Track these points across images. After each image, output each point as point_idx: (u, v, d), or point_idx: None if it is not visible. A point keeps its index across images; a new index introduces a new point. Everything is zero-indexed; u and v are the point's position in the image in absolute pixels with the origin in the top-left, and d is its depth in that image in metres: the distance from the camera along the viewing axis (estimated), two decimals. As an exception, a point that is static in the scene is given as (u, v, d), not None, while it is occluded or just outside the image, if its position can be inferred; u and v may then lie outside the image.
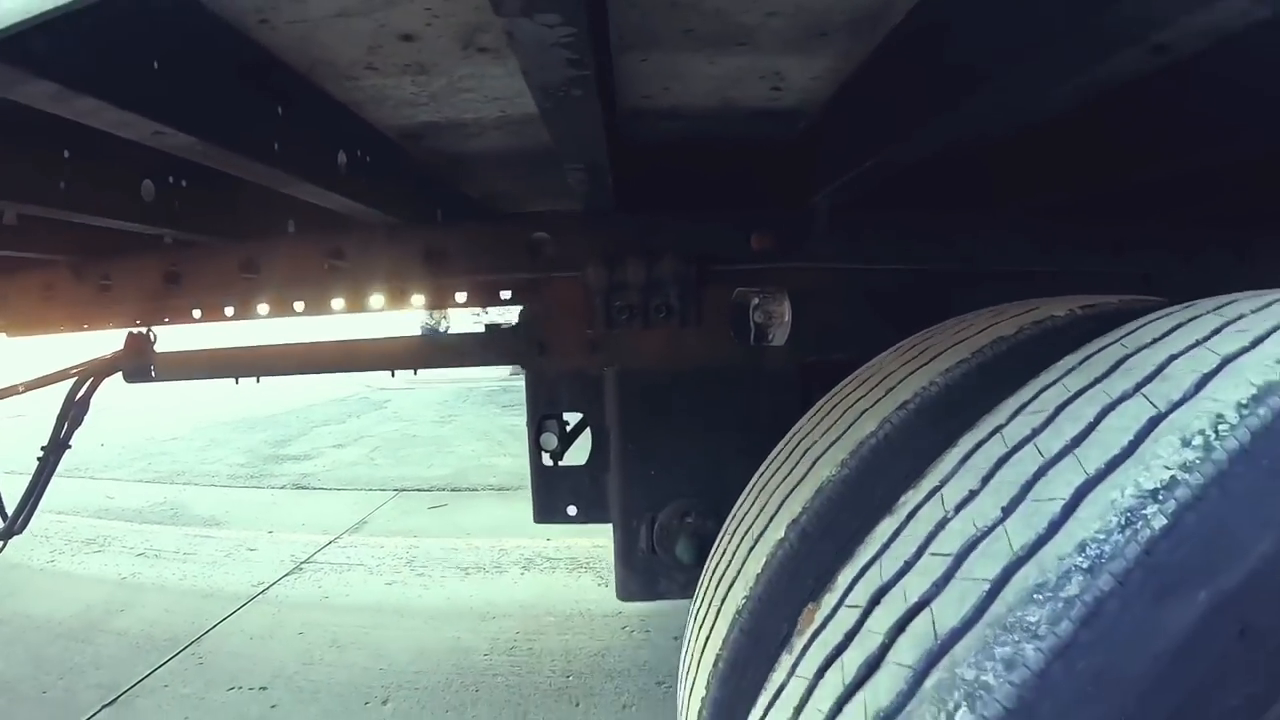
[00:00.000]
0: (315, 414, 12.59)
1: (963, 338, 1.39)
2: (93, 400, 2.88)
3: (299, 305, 2.39)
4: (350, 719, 3.37)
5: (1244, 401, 0.72)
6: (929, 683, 0.69)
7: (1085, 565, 0.66)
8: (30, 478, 2.96)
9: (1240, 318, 0.85)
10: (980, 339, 1.33)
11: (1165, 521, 0.66)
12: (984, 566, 0.73)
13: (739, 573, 1.41)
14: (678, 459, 2.10)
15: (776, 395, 1.94)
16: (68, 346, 2.88)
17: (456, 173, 2.18)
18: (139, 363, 2.60)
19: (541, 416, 2.34)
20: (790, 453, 1.51)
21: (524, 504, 6.33)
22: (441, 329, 19.68)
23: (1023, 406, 0.92)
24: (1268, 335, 0.79)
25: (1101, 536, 0.67)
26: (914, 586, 0.79)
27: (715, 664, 1.35)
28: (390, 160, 1.87)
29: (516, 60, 0.97)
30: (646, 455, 2.13)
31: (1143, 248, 2.05)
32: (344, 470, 8.35)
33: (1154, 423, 0.74)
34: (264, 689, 3.63)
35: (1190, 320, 0.89)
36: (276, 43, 1.31)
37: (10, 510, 3.09)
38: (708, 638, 1.43)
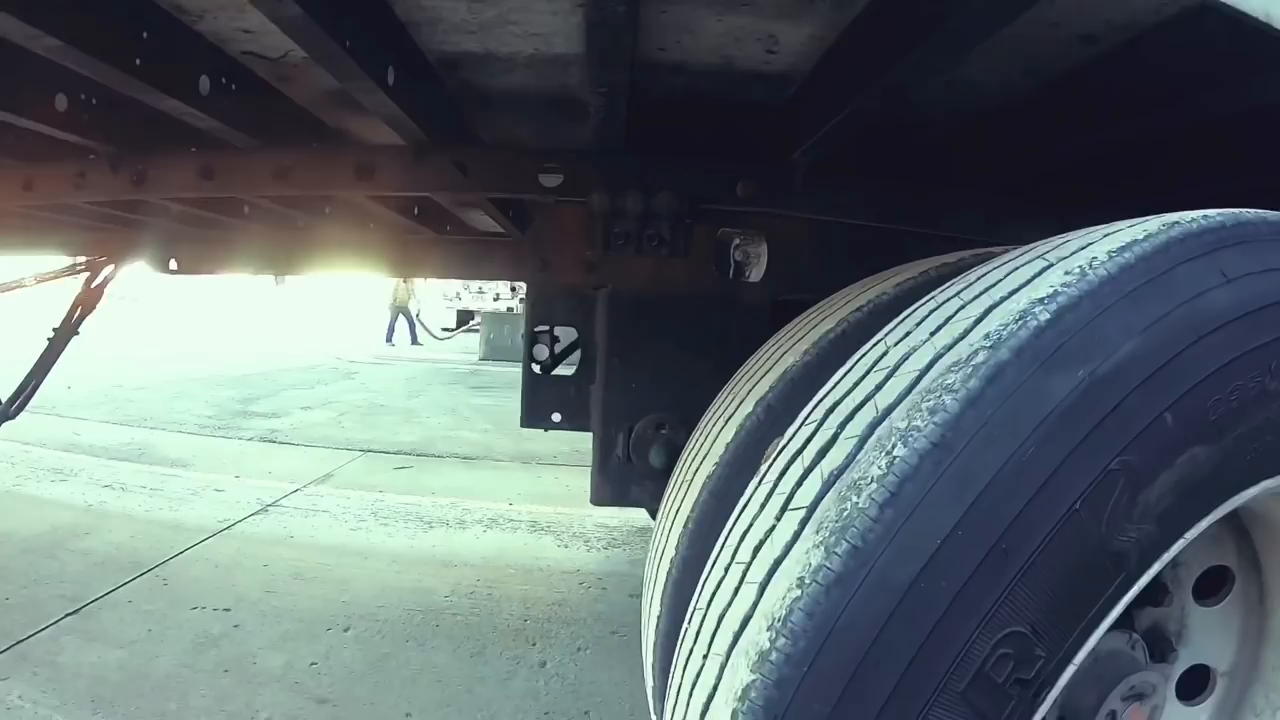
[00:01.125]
0: (284, 378, 12.63)
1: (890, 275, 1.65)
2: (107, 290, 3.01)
3: (328, 209, 2.57)
4: (312, 641, 3.51)
5: (1113, 250, 0.96)
6: (872, 437, 0.90)
7: (989, 345, 0.88)
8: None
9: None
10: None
11: (1049, 316, 0.88)
12: (916, 363, 0.95)
13: (709, 451, 1.62)
14: (657, 375, 2.30)
15: (749, 325, 2.13)
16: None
17: (477, 112, 2.37)
18: (163, 252, 2.75)
19: (536, 329, 2.56)
20: (759, 357, 1.74)
21: (489, 472, 6.58)
22: (414, 311, 19.73)
23: (935, 295, 1.15)
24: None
25: (1002, 328, 0.89)
26: (861, 390, 1.01)
27: (685, 525, 1.56)
28: (428, 84, 2.05)
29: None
30: (629, 369, 2.34)
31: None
32: (312, 430, 8.44)
33: (1048, 264, 0.98)
34: (227, 610, 3.77)
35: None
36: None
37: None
38: (678, 510, 1.64)
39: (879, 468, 0.85)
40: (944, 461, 0.83)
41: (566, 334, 2.73)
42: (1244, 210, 1.12)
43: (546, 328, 2.63)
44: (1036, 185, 2.32)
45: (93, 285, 3.01)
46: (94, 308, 3.10)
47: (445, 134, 2.15)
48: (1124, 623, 1.29)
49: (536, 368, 2.69)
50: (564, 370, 2.78)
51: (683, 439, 2.05)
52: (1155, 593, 1.36)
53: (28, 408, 3.66)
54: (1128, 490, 0.90)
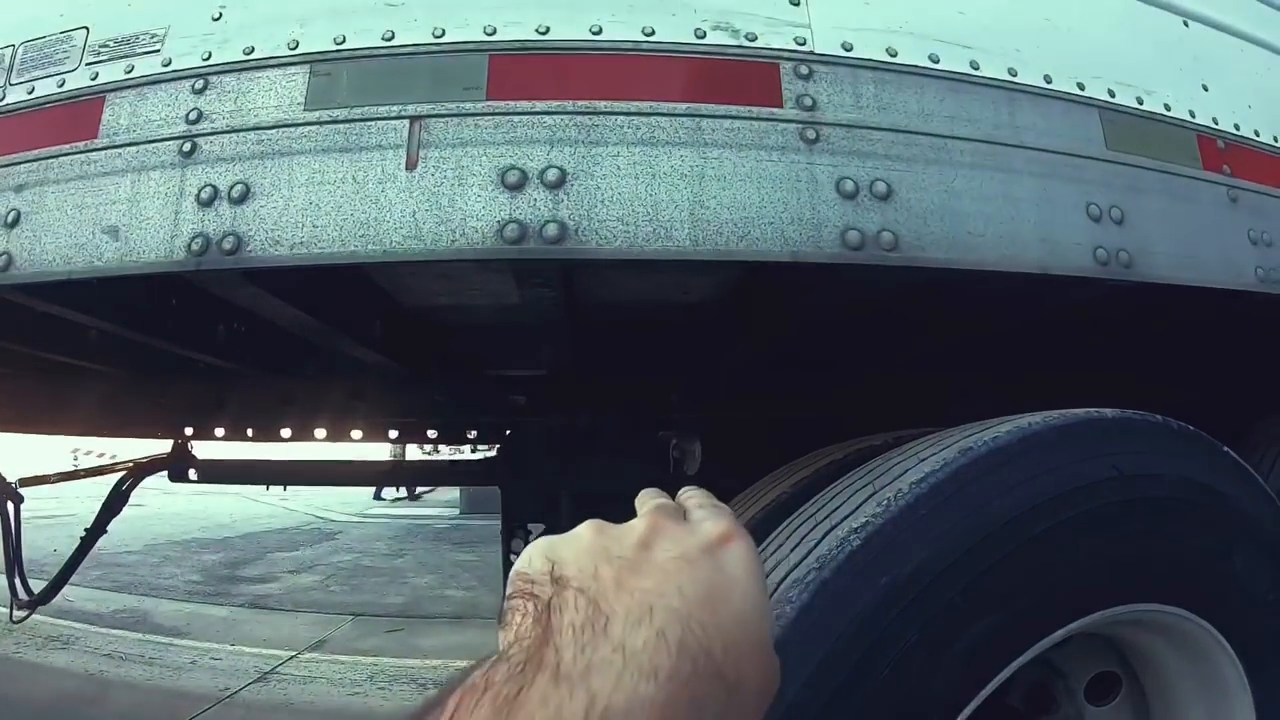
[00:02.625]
0: (266, 540, 12.70)
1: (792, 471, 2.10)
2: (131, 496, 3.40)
3: (320, 433, 3.02)
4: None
5: (915, 481, 1.41)
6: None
7: (817, 566, 1.31)
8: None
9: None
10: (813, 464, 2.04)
11: (860, 542, 1.32)
12: (776, 575, 1.37)
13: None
14: (620, 561, 2.67)
15: None
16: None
17: (450, 342, 2.83)
18: (183, 465, 3.16)
19: (513, 525, 2.99)
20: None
21: (478, 631, 6.73)
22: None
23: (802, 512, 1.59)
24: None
25: (827, 552, 1.33)
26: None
27: None
28: (406, 326, 2.50)
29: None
30: (594, 558, 2.70)
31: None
32: (301, 595, 8.58)
33: (871, 492, 1.43)
34: (239, 776, 3.99)
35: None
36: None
37: (31, 583, 3.59)
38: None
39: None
40: (785, 653, 1.23)
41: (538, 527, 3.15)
42: (1030, 423, 1.56)
43: (520, 524, 3.06)
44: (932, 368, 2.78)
45: (123, 489, 3.42)
46: (120, 511, 3.49)
47: (424, 366, 2.61)
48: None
49: (514, 559, 3.09)
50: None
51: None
52: (1044, 700, 1.78)
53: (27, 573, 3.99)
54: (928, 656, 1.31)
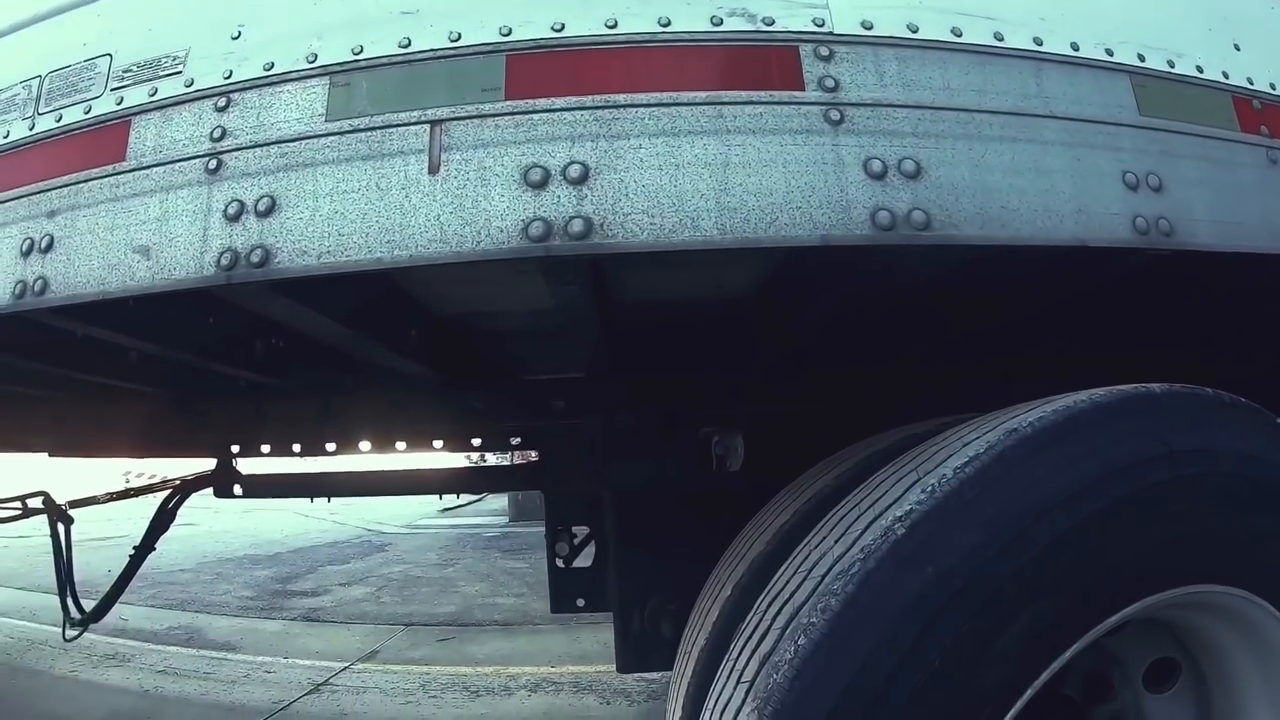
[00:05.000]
0: (317, 554, 12.88)
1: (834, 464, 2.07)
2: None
3: (364, 445, 3.04)
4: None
5: (959, 465, 1.37)
6: (789, 628, 1.30)
7: (862, 557, 1.28)
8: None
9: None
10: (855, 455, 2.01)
11: (904, 531, 1.29)
12: (821, 568, 1.35)
13: (701, 627, 2.00)
14: (661, 561, 2.65)
15: (735, 511, 2.42)
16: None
17: (486, 344, 2.84)
18: (227, 480, 3.20)
19: (556, 529, 3.00)
20: (736, 544, 2.14)
21: (529, 637, 6.77)
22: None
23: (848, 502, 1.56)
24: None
25: (871, 542, 1.30)
26: (789, 588, 1.40)
27: (687, 691, 1.93)
28: (440, 334, 2.51)
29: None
30: (637, 558, 2.70)
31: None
32: (352, 607, 8.69)
33: (915, 479, 1.40)
34: (295, 788, 4.04)
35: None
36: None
37: (81, 600, 3.67)
38: (683, 675, 2.02)
39: (790, 652, 1.24)
40: (832, 645, 1.22)
41: (582, 529, 3.18)
42: (1075, 401, 1.52)
43: (564, 527, 3.08)
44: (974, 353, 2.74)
45: (169, 507, 3.47)
46: (167, 529, 3.55)
47: (461, 373, 2.62)
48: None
49: (560, 561, 3.13)
50: (582, 562, 3.20)
51: (687, 611, 2.40)
52: (1101, 689, 1.73)
53: (80, 593, 4.07)
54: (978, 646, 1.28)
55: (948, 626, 1.26)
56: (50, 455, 3.77)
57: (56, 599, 4.00)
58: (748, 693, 1.29)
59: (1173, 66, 1.73)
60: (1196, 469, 1.49)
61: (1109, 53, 1.67)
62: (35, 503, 3.82)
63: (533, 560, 10.80)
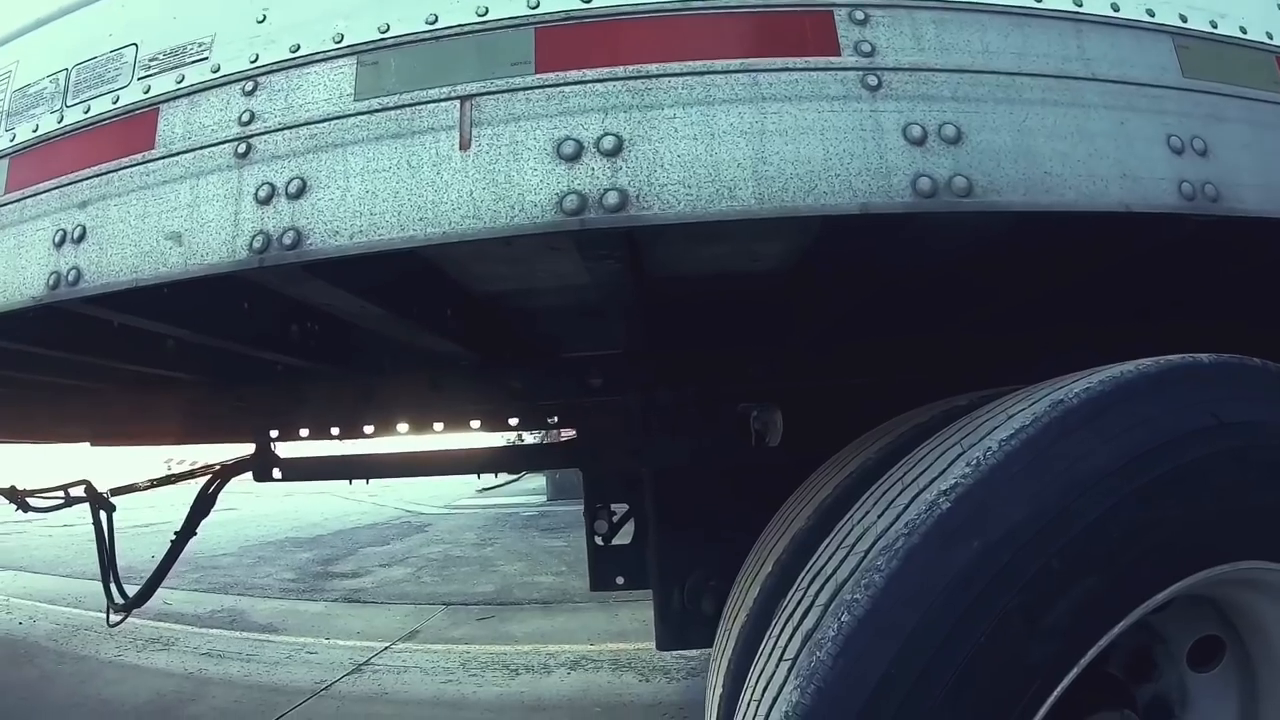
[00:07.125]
0: (358, 536, 12.96)
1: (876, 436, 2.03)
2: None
3: (403, 427, 3.05)
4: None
5: (1004, 438, 1.34)
6: (831, 605, 1.28)
7: (906, 532, 1.26)
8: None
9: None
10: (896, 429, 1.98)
11: (949, 505, 1.26)
12: (863, 544, 1.33)
13: (742, 603, 1.99)
14: (701, 537, 2.65)
15: (774, 486, 2.41)
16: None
17: (526, 325, 2.83)
18: (266, 464, 3.23)
19: (595, 507, 3.00)
20: (777, 519, 2.12)
21: (567, 616, 6.81)
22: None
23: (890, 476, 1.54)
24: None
25: (916, 517, 1.27)
26: (831, 564, 1.38)
27: (728, 667, 1.92)
28: (476, 314, 2.51)
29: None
30: (677, 535, 2.70)
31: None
32: (393, 587, 8.76)
33: (959, 453, 1.37)
34: (337, 763, 4.08)
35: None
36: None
37: (125, 586, 3.73)
38: (723, 652, 2.01)
39: (833, 629, 1.22)
40: (876, 622, 1.20)
41: (620, 507, 3.17)
42: (1122, 372, 1.48)
43: (603, 505, 3.08)
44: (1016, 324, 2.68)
45: (209, 491, 3.51)
46: (208, 513, 3.59)
47: (498, 352, 2.61)
48: (1122, 700, 1.61)
49: (599, 539, 3.14)
50: (621, 539, 3.20)
51: (727, 587, 2.40)
52: (1144, 667, 1.69)
53: (124, 579, 4.14)
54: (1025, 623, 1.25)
55: (994, 602, 1.23)
56: (92, 445, 3.84)
57: (100, 585, 4.04)
58: (790, 670, 1.27)
59: (1215, 27, 1.68)
60: (1245, 440, 1.44)
61: (1150, 13, 1.62)
62: (77, 491, 3.86)
63: (571, 539, 10.80)
